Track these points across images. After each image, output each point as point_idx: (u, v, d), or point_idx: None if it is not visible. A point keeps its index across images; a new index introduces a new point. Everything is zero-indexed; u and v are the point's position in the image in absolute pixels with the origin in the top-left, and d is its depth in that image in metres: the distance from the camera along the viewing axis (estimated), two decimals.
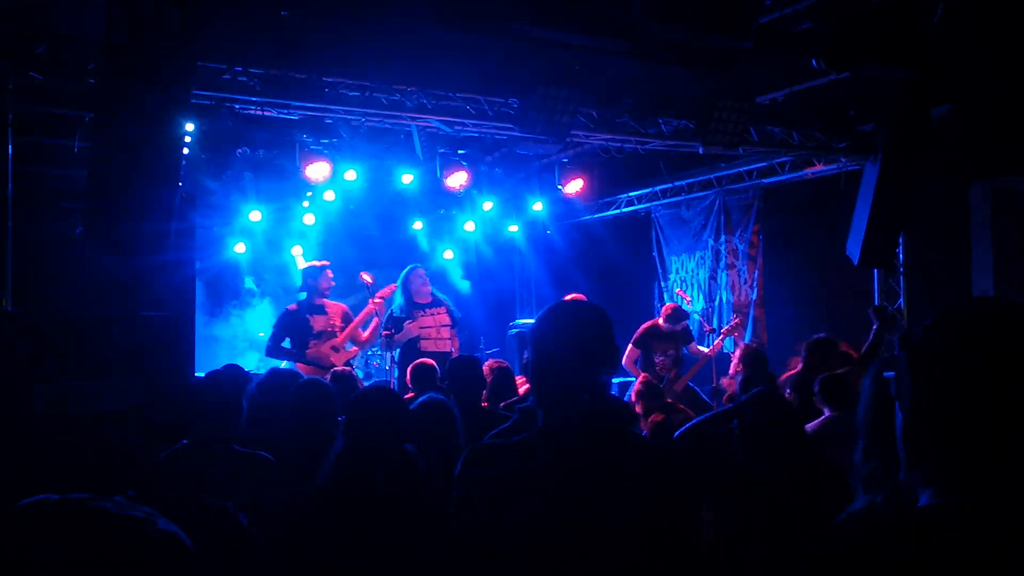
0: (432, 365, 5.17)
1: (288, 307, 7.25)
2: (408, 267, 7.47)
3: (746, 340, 8.98)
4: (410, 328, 7.11)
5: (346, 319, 7.18)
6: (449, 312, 7.35)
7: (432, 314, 7.29)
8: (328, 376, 5.15)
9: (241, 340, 9.73)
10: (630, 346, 7.15)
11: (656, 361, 7.10)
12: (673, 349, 7.17)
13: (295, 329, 7.01)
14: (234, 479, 2.84)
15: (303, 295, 7.20)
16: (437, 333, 7.31)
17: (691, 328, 7.69)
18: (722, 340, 7.48)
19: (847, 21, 4.81)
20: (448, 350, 7.27)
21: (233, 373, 3.50)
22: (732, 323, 7.96)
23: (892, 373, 1.18)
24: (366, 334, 7.19)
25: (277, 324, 7.11)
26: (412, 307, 7.21)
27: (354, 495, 2.64)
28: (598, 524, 1.69)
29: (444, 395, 3.42)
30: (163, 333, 5.51)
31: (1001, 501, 1.04)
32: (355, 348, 7.33)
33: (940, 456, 1.10)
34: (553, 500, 1.70)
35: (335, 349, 6.98)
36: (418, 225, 10.49)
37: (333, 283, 7.24)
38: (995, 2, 5.45)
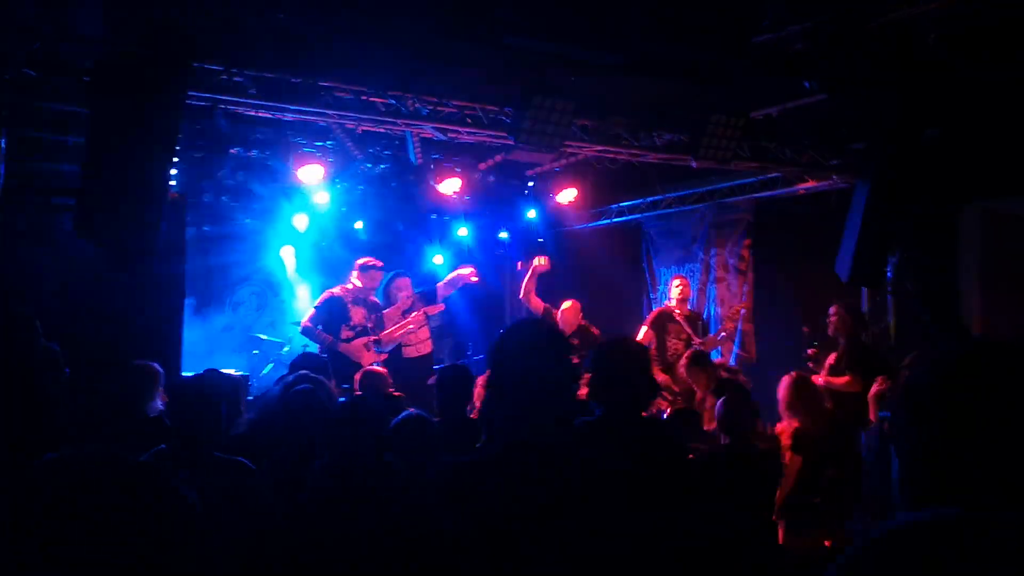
0: (381, 374, 5.24)
1: (333, 290, 7.23)
2: (391, 274, 7.53)
3: (734, 352, 9.00)
4: (390, 333, 7.18)
5: (378, 317, 7.22)
6: (424, 311, 7.39)
7: (411, 319, 7.34)
8: (359, 374, 5.44)
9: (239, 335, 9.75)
10: (646, 328, 7.22)
11: (669, 346, 7.12)
12: (687, 334, 7.20)
13: (334, 315, 7.03)
14: (211, 485, 2.83)
15: (350, 285, 7.24)
16: (416, 338, 7.35)
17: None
18: (733, 322, 7.58)
19: (840, 44, 4.85)
20: (430, 351, 7.37)
21: (215, 378, 3.49)
22: (738, 306, 8.05)
23: (887, 412, 1.17)
24: (397, 335, 7.23)
25: (320, 305, 7.12)
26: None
27: (337, 507, 2.65)
28: (579, 532, 1.71)
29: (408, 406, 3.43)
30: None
31: None
32: (384, 354, 7.33)
33: (935, 500, 1.10)
34: (531, 511, 1.72)
35: (367, 348, 7.04)
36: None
37: (376, 284, 7.33)
38: (987, 27, 5.50)
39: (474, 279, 7.69)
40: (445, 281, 7.76)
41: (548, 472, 1.75)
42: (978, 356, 1.13)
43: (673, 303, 7.43)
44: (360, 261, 7.35)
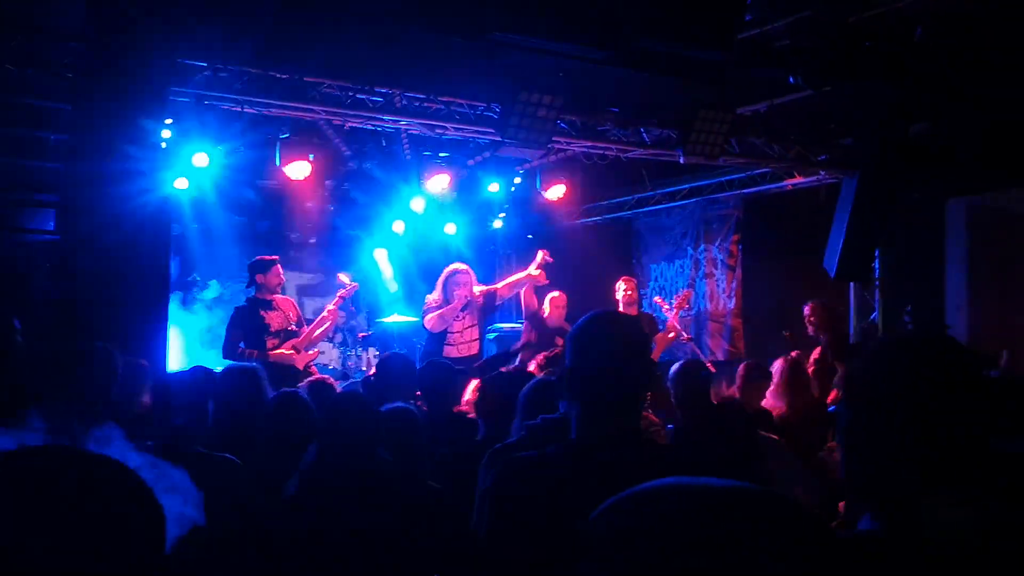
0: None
1: (239, 306, 6.73)
2: (452, 265, 6.83)
3: (723, 347, 9.02)
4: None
5: (301, 314, 6.82)
6: (477, 308, 6.73)
7: (461, 318, 6.69)
8: (304, 385, 4.82)
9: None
10: None
11: None
12: None
13: (251, 328, 6.54)
14: (198, 482, 2.80)
15: (251, 291, 6.69)
16: (461, 337, 6.72)
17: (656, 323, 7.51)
18: (676, 314, 7.14)
19: (825, 40, 4.85)
20: (476, 353, 6.71)
21: (198, 375, 3.46)
22: (682, 294, 7.64)
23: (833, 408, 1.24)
24: (318, 333, 6.78)
25: (230, 324, 6.59)
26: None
27: (328, 503, 2.62)
28: None
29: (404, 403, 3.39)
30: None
31: (927, 530, 1.09)
32: (316, 351, 6.94)
33: (873, 483, 1.16)
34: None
35: (296, 350, 6.58)
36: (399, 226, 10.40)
37: (282, 279, 6.77)
38: (973, 22, 5.52)
39: (544, 281, 6.80)
40: (509, 283, 7.00)
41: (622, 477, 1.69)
42: (907, 349, 1.18)
43: (620, 306, 6.99)
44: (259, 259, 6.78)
